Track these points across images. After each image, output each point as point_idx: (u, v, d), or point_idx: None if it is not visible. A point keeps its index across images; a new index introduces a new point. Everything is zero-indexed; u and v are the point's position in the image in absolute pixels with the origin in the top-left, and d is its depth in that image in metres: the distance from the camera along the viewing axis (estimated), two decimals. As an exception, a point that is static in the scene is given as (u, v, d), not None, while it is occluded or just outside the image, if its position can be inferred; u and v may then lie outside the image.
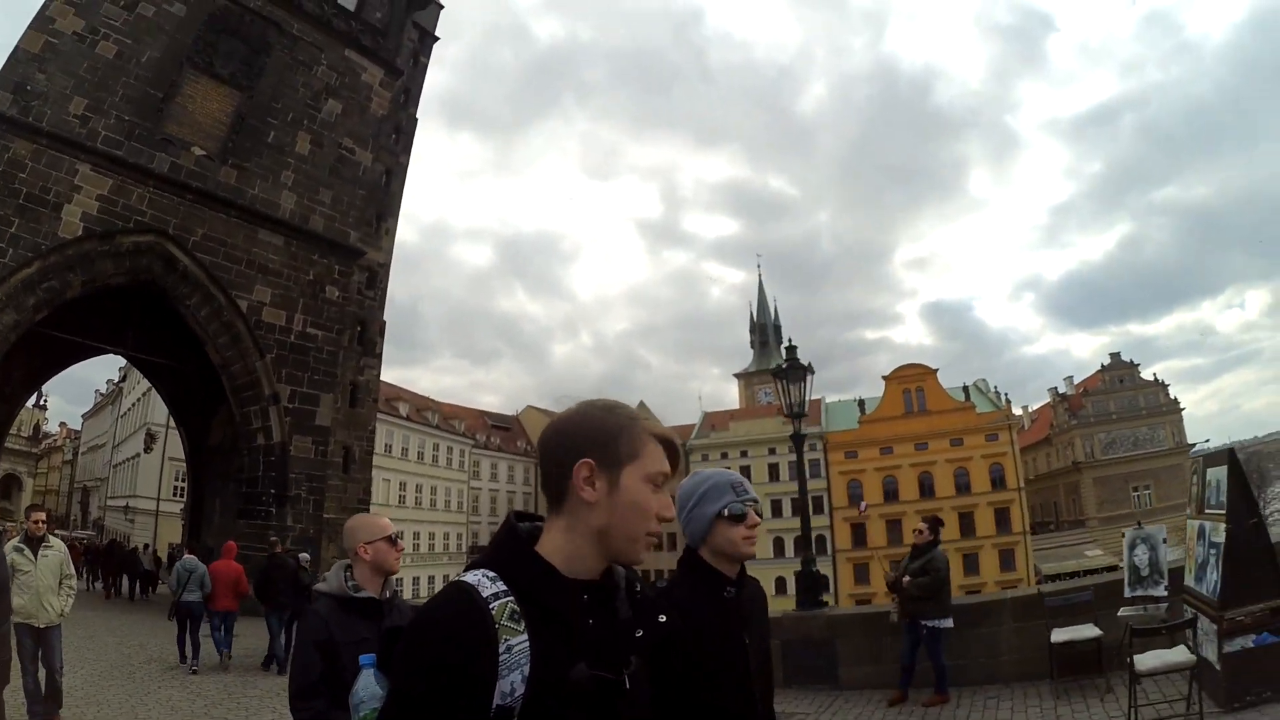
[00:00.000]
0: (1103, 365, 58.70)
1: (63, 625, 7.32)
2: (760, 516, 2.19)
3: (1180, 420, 56.40)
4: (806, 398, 11.44)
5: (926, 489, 51.90)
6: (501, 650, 1.11)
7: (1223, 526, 5.92)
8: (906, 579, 7.96)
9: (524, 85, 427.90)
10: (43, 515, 7.73)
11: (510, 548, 1.26)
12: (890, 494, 52.31)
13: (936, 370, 55.12)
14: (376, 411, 33.71)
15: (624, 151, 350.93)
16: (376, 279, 30.88)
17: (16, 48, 19.03)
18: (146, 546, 32.72)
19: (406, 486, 54.57)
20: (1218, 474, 6.26)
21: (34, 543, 7.12)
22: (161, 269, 21.02)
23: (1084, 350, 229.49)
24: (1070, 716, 6.49)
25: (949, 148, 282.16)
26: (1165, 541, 7.49)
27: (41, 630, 7.03)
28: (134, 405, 50.46)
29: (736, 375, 75.91)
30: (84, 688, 9.11)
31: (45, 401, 62.64)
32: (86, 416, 71.26)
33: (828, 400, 61.13)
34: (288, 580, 12.55)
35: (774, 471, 55.98)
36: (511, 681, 1.11)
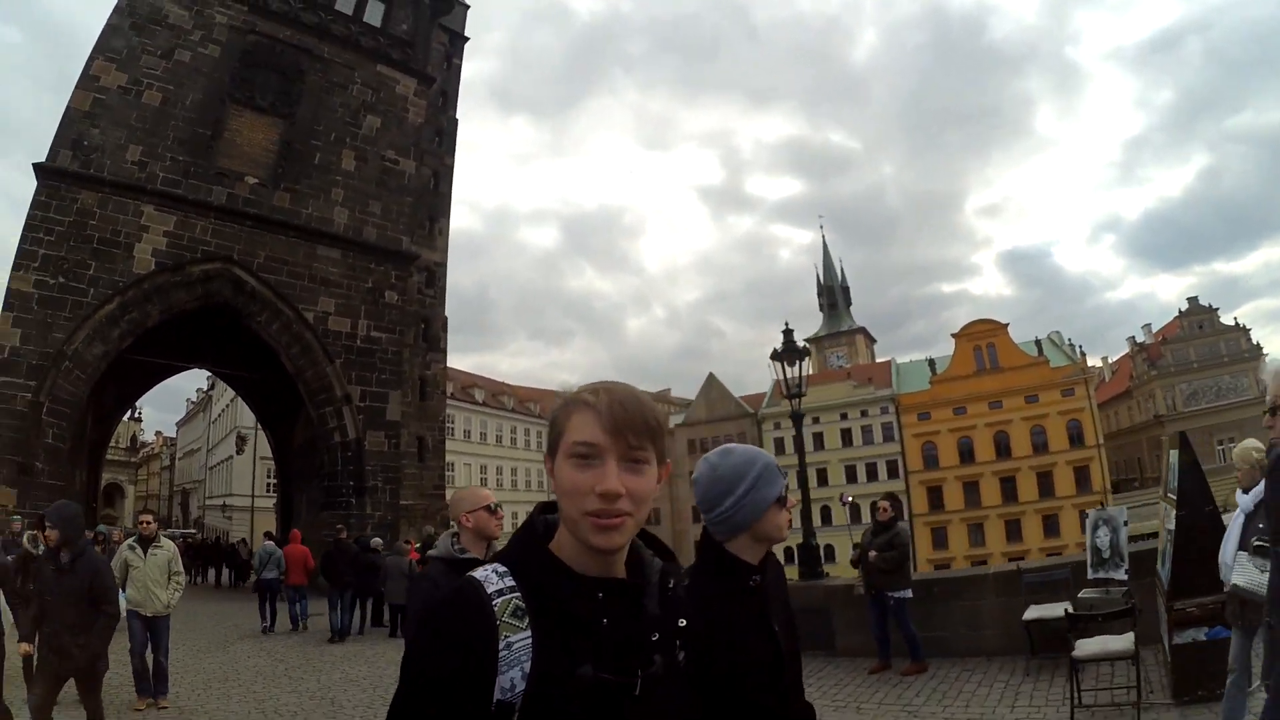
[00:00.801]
0: (1180, 311, 55.59)
1: (171, 615, 8.35)
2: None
3: (1264, 367, 53.20)
4: (804, 376, 12.06)
5: (1003, 449, 50.45)
6: (501, 647, 1.11)
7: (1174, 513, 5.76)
8: (873, 554, 8.39)
9: (569, 64, 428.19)
10: (149, 517, 8.82)
11: (523, 543, 1.26)
12: (966, 455, 51.13)
13: (1007, 325, 53.34)
14: (446, 402, 35.63)
15: (678, 120, 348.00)
16: (435, 277, 32.46)
17: (68, 107, 21.02)
18: (243, 541, 35.45)
19: (487, 469, 56.81)
20: (1174, 456, 6.09)
21: (145, 542, 8.10)
22: (231, 291, 22.84)
23: (1170, 293, 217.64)
24: (1030, 693, 6.77)
25: (1010, 85, 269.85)
26: (1127, 524, 7.52)
27: (150, 619, 7.93)
28: (223, 411, 54.00)
29: (806, 340, 75.13)
30: (186, 659, 10.66)
31: (139, 414, 67.77)
32: (180, 424, 76.42)
33: (899, 361, 60.34)
34: (348, 562, 14.63)
35: (847, 436, 55.60)
36: (512, 678, 1.11)
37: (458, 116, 34.78)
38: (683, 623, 1.30)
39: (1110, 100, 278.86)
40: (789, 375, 11.93)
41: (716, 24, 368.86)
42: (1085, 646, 6.02)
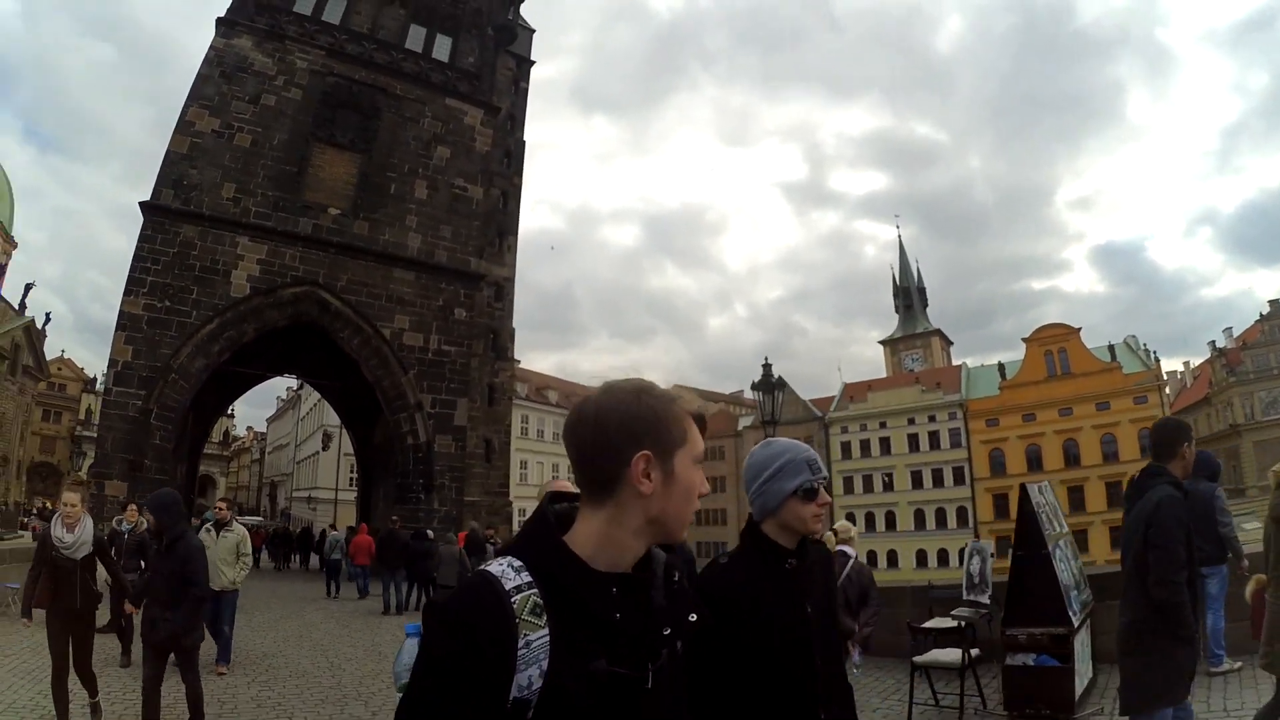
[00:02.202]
0: (1261, 314, 53.06)
1: (239, 593, 9.73)
2: (830, 495, 2.21)
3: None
4: (777, 407, 13.39)
5: (1071, 458, 49.93)
6: (520, 645, 1.10)
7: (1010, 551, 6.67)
8: None
9: (648, 62, 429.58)
10: (224, 504, 10.07)
11: (538, 536, 1.24)
12: (1034, 463, 50.68)
13: (1079, 329, 52.68)
14: (512, 406, 37.99)
15: (758, 115, 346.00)
16: (503, 291, 34.74)
17: (168, 151, 23.85)
18: (325, 530, 38.51)
19: (559, 468, 59.04)
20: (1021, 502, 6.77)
21: (219, 525, 9.16)
22: (317, 311, 25.39)
23: (1269, 289, 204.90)
24: (894, 690, 7.47)
25: (1100, 71, 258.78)
26: (993, 555, 8.67)
27: (218, 593, 8.59)
28: (311, 410, 57.99)
29: (881, 342, 75.68)
30: (270, 621, 13.43)
31: (232, 411, 72.80)
32: (270, 420, 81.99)
33: (977, 364, 60.07)
34: (397, 550, 17.46)
35: (914, 442, 55.95)
36: (529, 675, 1.10)
37: (525, 139, 36.96)
38: (693, 618, 1.32)
39: (1204, 85, 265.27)
40: (765, 405, 13.21)
41: (796, 15, 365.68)
42: (921, 658, 6.80)
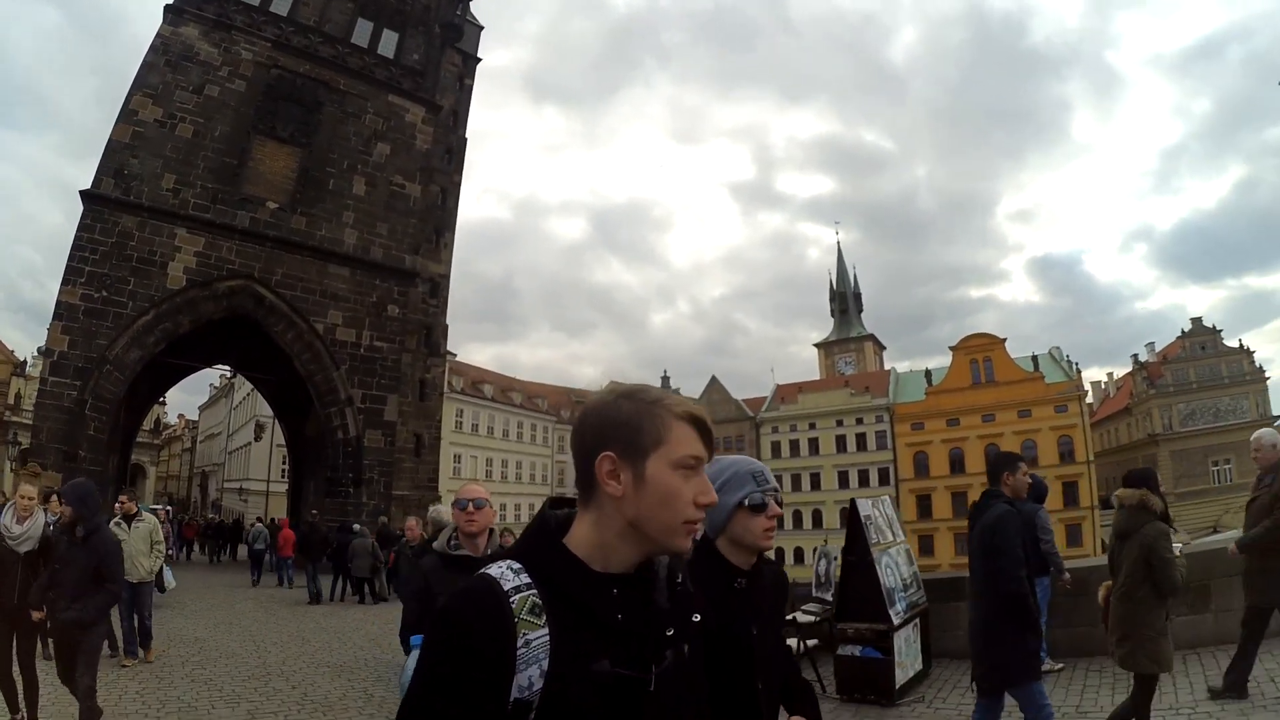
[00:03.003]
0: (1183, 331, 57.64)
1: (167, 578, 11.12)
2: (780, 506, 2.18)
3: (1265, 390, 54.93)
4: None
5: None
6: (519, 645, 1.12)
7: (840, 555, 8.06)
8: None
9: (604, 54, 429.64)
10: (125, 498, 10.53)
11: (538, 538, 1.27)
12: (956, 465, 53.98)
13: (1004, 340, 55.98)
14: (445, 402, 39.15)
15: (711, 114, 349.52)
16: (439, 288, 35.90)
17: (110, 139, 24.60)
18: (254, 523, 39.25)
19: (493, 462, 60.29)
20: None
21: (128, 517, 9.56)
22: (252, 304, 26.31)
23: (1200, 305, 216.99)
24: None
25: (1049, 89, 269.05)
26: (837, 559, 9.98)
27: (135, 585, 8.94)
28: (244, 399, 58.14)
29: (816, 345, 78.57)
30: (202, 610, 14.74)
31: (163, 398, 72.31)
32: (203, 408, 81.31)
33: (910, 369, 63.17)
34: (318, 542, 19.24)
35: (841, 443, 58.75)
36: (529, 676, 1.12)
37: (467, 136, 38.14)
38: (697, 618, 1.36)
39: (1148, 107, 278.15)
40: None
41: (753, 16, 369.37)
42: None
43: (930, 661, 7.97)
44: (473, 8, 39.12)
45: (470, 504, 3.71)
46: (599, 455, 1.23)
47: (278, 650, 10.87)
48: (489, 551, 3.68)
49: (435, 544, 3.84)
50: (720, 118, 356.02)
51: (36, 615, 5.75)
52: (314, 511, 22.47)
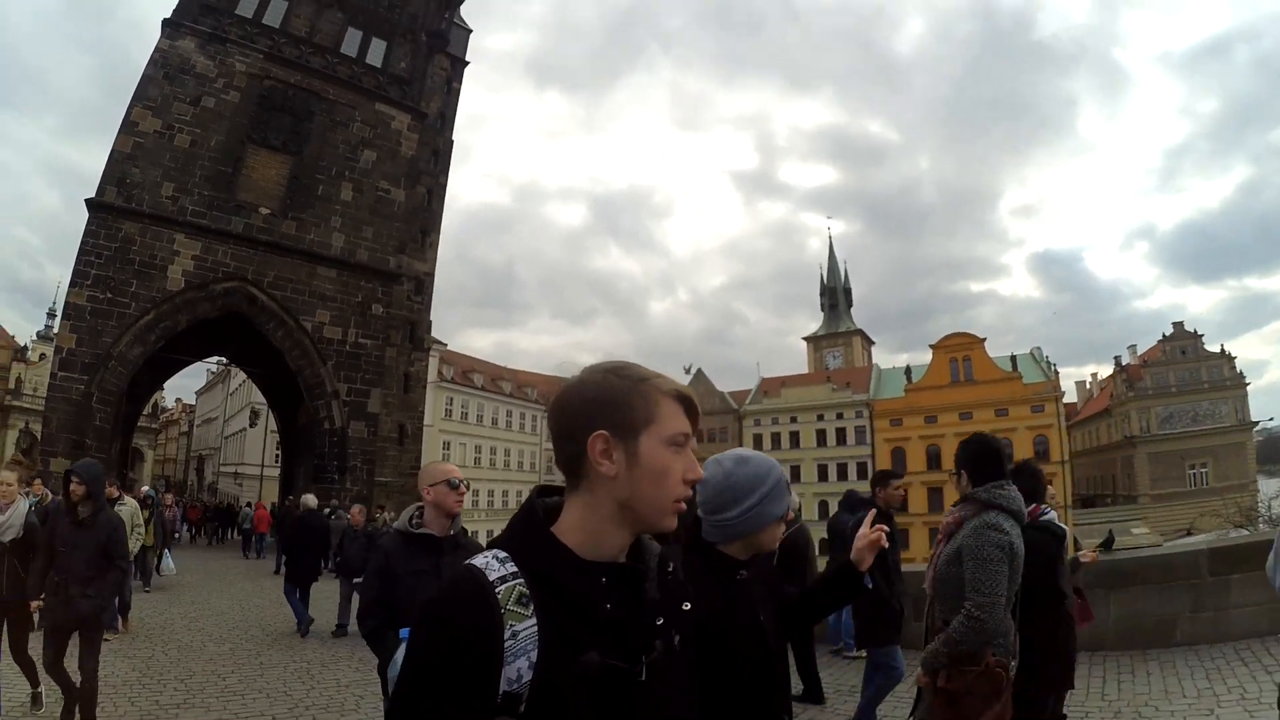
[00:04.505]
0: (1164, 335, 60.25)
1: (167, 563, 14.57)
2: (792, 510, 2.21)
3: (1244, 396, 57.38)
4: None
5: (968, 459, 56.09)
6: (506, 636, 1.13)
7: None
8: None
9: (607, 39, 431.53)
10: (108, 482, 11.66)
11: (525, 527, 1.28)
12: (933, 461, 56.61)
13: (984, 339, 58.79)
14: (430, 392, 42.23)
15: (714, 101, 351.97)
16: (423, 286, 38.70)
17: (113, 150, 27.40)
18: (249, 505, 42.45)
19: (481, 449, 63.41)
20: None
21: (110, 502, 9.23)
22: (246, 304, 29.19)
23: (1200, 305, 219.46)
24: None
25: (1055, 85, 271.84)
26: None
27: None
28: (240, 386, 61.19)
29: (805, 339, 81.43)
30: (202, 581, 17.58)
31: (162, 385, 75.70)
32: (200, 393, 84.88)
33: (880, 366, 65.88)
34: (293, 522, 22.11)
35: (821, 437, 61.76)
36: (518, 668, 1.13)
37: (454, 139, 40.89)
38: (687, 606, 1.38)
39: (1155, 106, 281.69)
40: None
41: (759, 3, 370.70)
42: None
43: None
44: (463, 9, 41.72)
45: (461, 483, 3.87)
46: (591, 434, 1.23)
47: (256, 606, 13.94)
48: (452, 533, 3.82)
49: (396, 524, 3.96)
50: (723, 105, 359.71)
51: (35, 605, 5.83)
52: (289, 498, 25.53)
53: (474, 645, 1.13)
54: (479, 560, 1.22)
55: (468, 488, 4.32)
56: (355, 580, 11.11)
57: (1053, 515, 4.54)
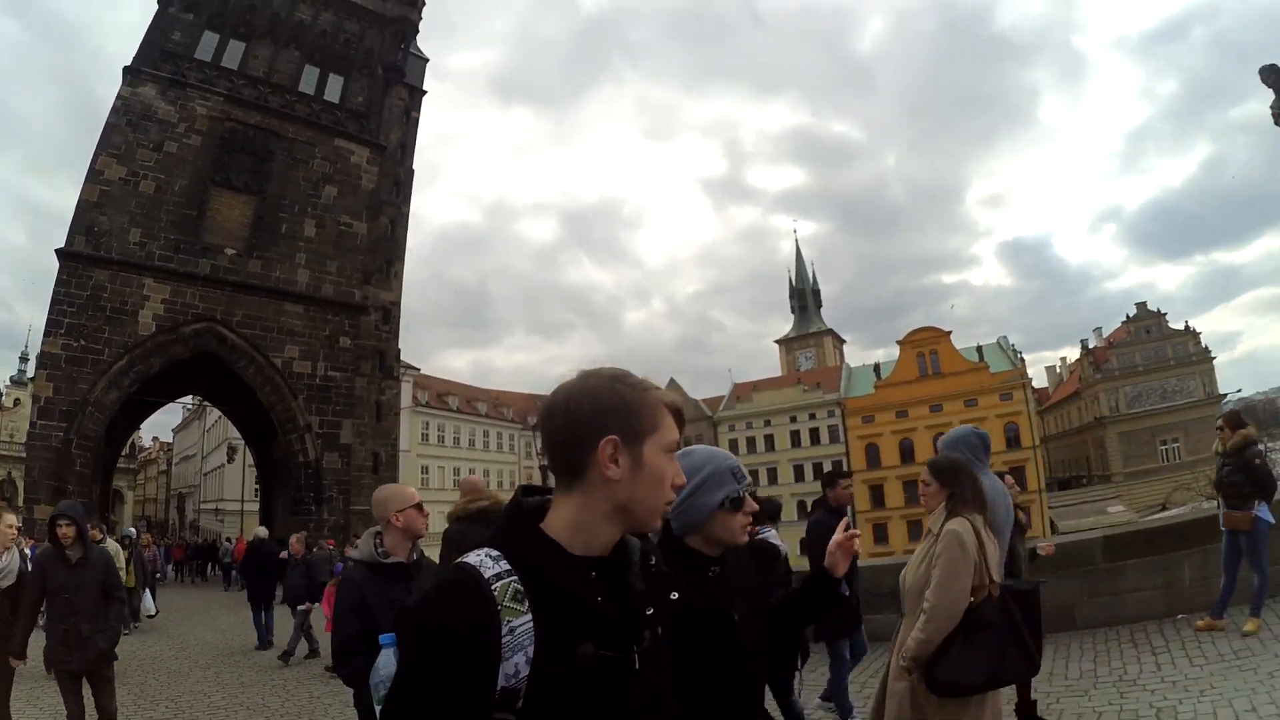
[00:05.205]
0: (1127, 316, 62.18)
1: (148, 603, 15.65)
2: (756, 501, 2.26)
3: (1211, 370, 59.20)
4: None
5: (941, 450, 57.68)
6: (504, 632, 1.16)
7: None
8: None
9: (573, 53, 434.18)
10: (90, 526, 12.49)
11: (515, 526, 1.32)
12: (907, 455, 58.06)
13: (949, 332, 60.52)
14: (404, 418, 43.26)
15: (681, 110, 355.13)
16: (390, 315, 39.56)
17: (80, 199, 28.43)
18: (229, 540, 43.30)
19: (460, 471, 63.92)
20: None
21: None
22: (216, 344, 30.22)
23: (1170, 282, 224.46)
24: None
25: (1016, 75, 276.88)
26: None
27: None
28: (216, 422, 61.94)
29: (777, 341, 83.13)
30: (176, 614, 18.36)
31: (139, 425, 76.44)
32: (176, 430, 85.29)
33: (851, 365, 67.56)
34: (265, 556, 23.44)
35: (795, 438, 63.28)
36: (515, 663, 1.16)
37: (414, 167, 41.81)
38: (675, 596, 1.45)
39: (1114, 91, 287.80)
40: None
41: (723, 11, 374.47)
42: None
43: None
44: (425, 30, 42.77)
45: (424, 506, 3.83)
46: (602, 439, 1.29)
47: (235, 633, 15.11)
48: (414, 557, 3.77)
49: (358, 555, 3.79)
50: (690, 113, 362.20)
51: (16, 663, 5.78)
52: (259, 530, 26.26)
53: (471, 643, 1.16)
54: (472, 559, 1.26)
55: None
56: (300, 608, 12.24)
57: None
